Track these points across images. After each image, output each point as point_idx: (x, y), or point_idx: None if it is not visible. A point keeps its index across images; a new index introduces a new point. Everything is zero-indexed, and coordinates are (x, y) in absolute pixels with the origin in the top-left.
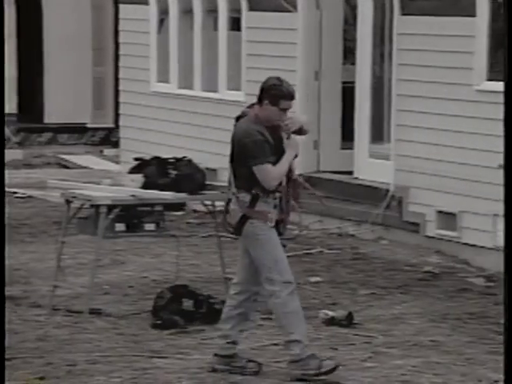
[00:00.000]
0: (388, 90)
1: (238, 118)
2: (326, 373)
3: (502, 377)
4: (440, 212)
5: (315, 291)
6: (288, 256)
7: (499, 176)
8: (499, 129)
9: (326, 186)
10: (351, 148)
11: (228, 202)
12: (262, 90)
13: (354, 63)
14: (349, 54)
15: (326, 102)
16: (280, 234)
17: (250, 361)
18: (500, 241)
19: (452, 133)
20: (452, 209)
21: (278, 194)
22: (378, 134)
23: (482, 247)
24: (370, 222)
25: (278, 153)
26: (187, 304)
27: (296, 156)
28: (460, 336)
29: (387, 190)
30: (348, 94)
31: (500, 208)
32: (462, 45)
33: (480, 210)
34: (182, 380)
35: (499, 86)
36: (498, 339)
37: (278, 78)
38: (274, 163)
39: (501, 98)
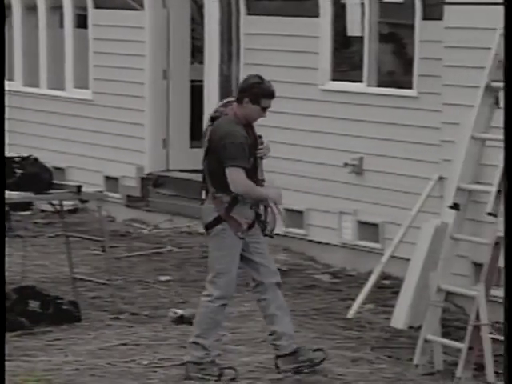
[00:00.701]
0: (236, 89)
1: (213, 118)
2: (226, 381)
3: (347, 371)
4: (287, 210)
5: (165, 290)
6: (138, 255)
7: (345, 174)
8: (344, 127)
9: (176, 184)
10: (200, 147)
11: (203, 201)
12: (243, 87)
13: (202, 62)
14: (197, 52)
15: (175, 100)
16: (264, 226)
17: (316, 350)
18: (345, 238)
19: (298, 131)
20: (299, 206)
21: None
22: None
23: (328, 244)
24: None
25: (253, 151)
26: (34, 305)
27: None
28: (307, 332)
29: None
30: (196, 92)
31: (345, 205)
32: (307, 45)
33: (326, 208)
34: (29, 382)
35: (343, 85)
36: (343, 334)
37: (260, 77)
38: (252, 164)
39: (344, 98)
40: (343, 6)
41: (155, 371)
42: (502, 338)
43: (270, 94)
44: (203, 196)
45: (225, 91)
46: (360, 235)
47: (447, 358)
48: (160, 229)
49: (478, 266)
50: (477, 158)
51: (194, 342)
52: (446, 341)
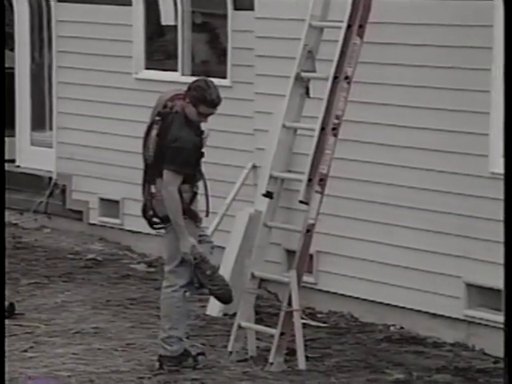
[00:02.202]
0: (49, 77)
1: (161, 114)
2: (200, 368)
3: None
4: (103, 199)
5: None
6: None
7: None
8: None
9: None
10: (13, 135)
11: (152, 193)
12: (189, 86)
13: (13, 49)
14: (8, 39)
15: None
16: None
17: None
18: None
19: (114, 120)
20: (114, 196)
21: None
22: (40, 121)
23: (143, 234)
24: (33, 210)
25: (200, 149)
26: None
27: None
28: (122, 322)
29: (50, 178)
30: (8, 80)
31: None
32: (120, 33)
33: (141, 197)
34: None
35: (157, 74)
36: (159, 323)
37: (207, 82)
38: (196, 161)
39: (158, 87)
40: None
41: None
42: (312, 323)
43: (210, 102)
44: (153, 190)
45: (37, 79)
46: None
47: (260, 344)
48: None
49: (290, 253)
50: (289, 147)
51: (168, 337)
52: (260, 327)
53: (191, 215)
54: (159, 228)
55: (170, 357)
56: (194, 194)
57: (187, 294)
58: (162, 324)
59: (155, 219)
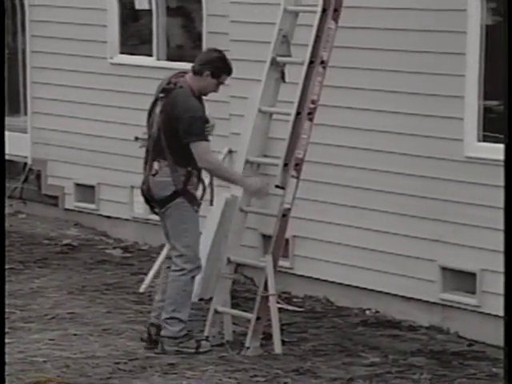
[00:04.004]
0: (23, 61)
1: (165, 90)
2: (203, 353)
3: (138, 344)
4: (78, 185)
5: None
6: None
7: (135, 148)
8: (134, 101)
9: None
10: None
11: (156, 170)
12: (205, 60)
13: None
14: None
15: None
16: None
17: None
18: (137, 212)
19: (89, 105)
20: (90, 181)
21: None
22: (14, 106)
23: (119, 219)
24: (8, 196)
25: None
26: None
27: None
28: (98, 307)
29: (25, 164)
30: None
31: (137, 179)
32: (95, 17)
33: (117, 182)
34: None
35: (132, 59)
36: (135, 308)
37: (221, 51)
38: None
39: (134, 71)
40: None
41: None
42: (289, 307)
43: (230, 71)
44: (156, 167)
45: (11, 64)
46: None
47: (237, 329)
48: None
49: (266, 237)
50: (264, 132)
51: (171, 318)
52: (236, 312)
53: (188, 197)
54: (157, 213)
55: (170, 337)
56: (188, 174)
57: (194, 277)
58: (166, 306)
59: (152, 202)
